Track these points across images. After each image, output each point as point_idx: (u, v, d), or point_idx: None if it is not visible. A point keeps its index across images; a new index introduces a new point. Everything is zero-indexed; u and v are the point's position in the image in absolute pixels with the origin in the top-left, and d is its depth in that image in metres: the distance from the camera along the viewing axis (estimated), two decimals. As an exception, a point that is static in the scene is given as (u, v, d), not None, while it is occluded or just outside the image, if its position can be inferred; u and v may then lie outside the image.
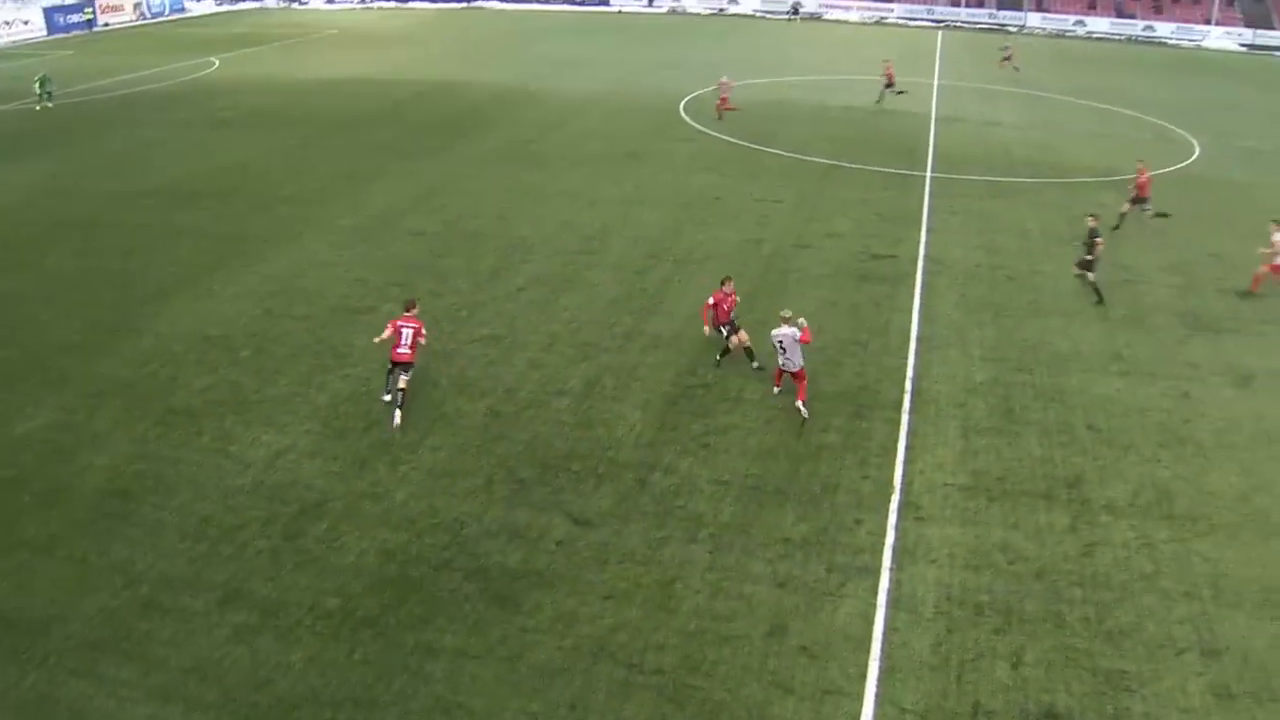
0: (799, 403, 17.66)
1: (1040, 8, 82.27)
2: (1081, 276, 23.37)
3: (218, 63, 57.33)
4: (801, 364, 17.61)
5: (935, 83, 51.70)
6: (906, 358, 19.90)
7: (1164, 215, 28.35)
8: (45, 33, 75.11)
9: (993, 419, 17.71)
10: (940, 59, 60.91)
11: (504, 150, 35.86)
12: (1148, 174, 28.02)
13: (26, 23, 75.54)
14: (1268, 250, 23.20)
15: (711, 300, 19.03)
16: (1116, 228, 27.27)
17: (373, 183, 31.55)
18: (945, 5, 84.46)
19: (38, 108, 43.56)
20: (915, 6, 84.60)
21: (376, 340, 17.88)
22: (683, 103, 44.29)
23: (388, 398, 17.64)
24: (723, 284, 19.23)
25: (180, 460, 16.22)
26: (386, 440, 16.73)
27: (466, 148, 36.24)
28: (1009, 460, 16.41)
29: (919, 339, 20.75)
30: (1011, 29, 78.86)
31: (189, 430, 17.12)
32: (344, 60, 57.86)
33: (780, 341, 17.56)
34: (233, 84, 49.87)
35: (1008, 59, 56.89)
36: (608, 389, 18.50)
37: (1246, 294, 23.49)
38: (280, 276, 23.90)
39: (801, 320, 17.65)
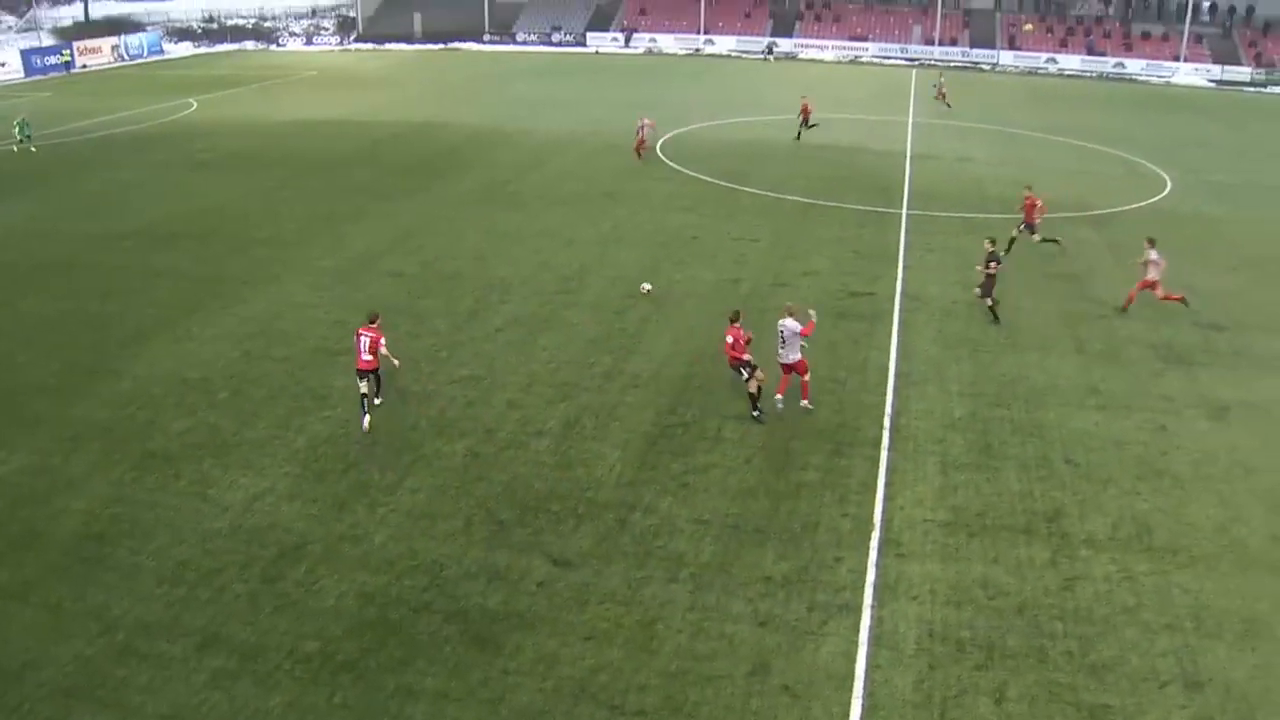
0: (803, 401, 18.68)
1: (1012, 45, 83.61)
2: (981, 300, 24.01)
3: (196, 104, 57.46)
4: (799, 357, 18.42)
5: (910, 120, 52.37)
6: (885, 394, 20.02)
7: (1054, 241, 29.02)
8: (23, 74, 75.12)
9: (971, 454, 17.80)
10: (914, 97, 61.68)
11: (482, 191, 36.02)
12: (1036, 201, 28.68)
13: (3, 64, 75.55)
14: (1141, 263, 24.36)
15: (730, 339, 18.63)
16: (1006, 252, 27.48)
17: (351, 224, 31.61)
18: (919, 44, 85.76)
19: (15, 149, 43.51)
20: (889, 45, 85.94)
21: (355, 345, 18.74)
22: (659, 143, 44.63)
23: (366, 420, 18.41)
24: (733, 321, 18.79)
25: (157, 504, 16.09)
26: (365, 482, 16.67)
27: (444, 189, 36.38)
28: (988, 495, 16.48)
29: (897, 375, 20.89)
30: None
31: (166, 473, 17.00)
32: (322, 102, 58.10)
33: (782, 332, 18.41)
34: (211, 126, 49.98)
35: (941, 95, 57.93)
36: (587, 429, 18.51)
37: (1122, 310, 24.60)
38: (258, 318, 23.85)
39: (811, 311, 18.71)
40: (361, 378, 18.48)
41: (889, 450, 17.85)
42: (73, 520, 15.69)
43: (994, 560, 14.79)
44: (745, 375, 18.78)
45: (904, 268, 27.70)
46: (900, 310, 24.55)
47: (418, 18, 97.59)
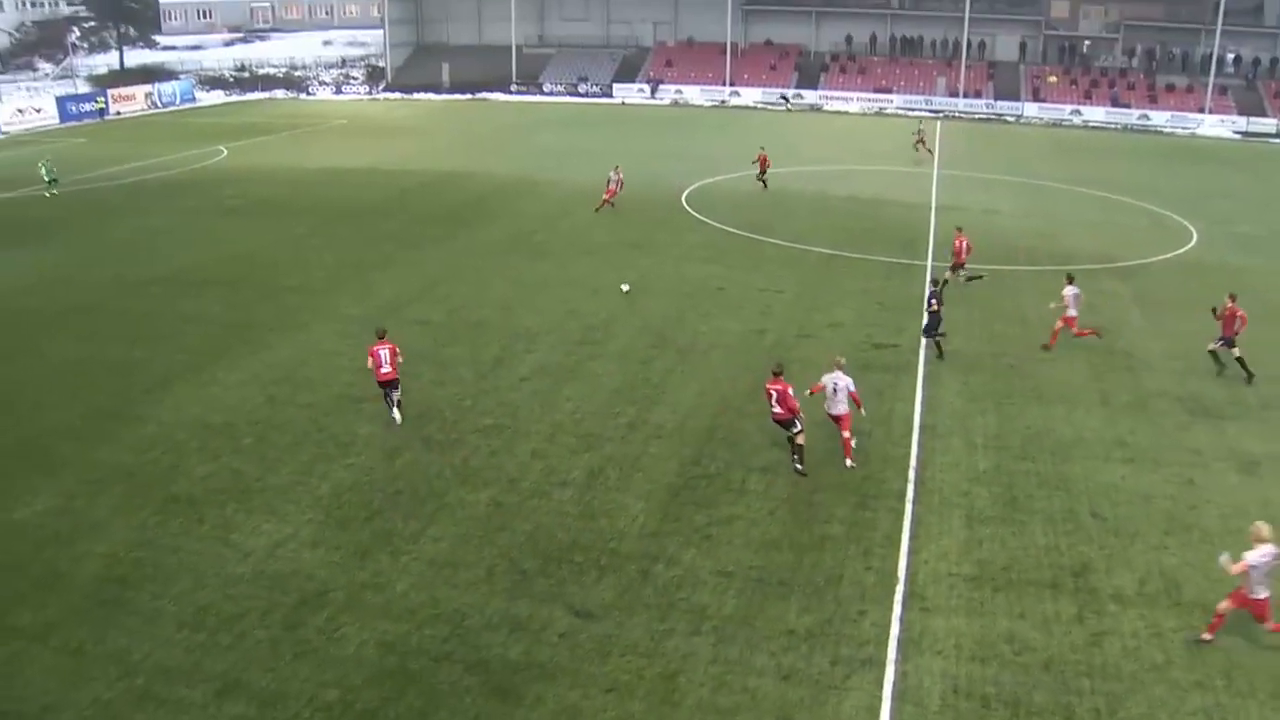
0: (847, 461, 18.88)
1: (1037, 97, 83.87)
2: (929, 338, 24.76)
3: (226, 152, 58.40)
4: (846, 410, 18.80)
5: (935, 172, 52.52)
6: (909, 447, 19.94)
7: (978, 278, 30.14)
8: (58, 120, 76.66)
9: (997, 508, 17.68)
10: (939, 148, 61.92)
11: (508, 240, 36.33)
12: (965, 241, 30.03)
13: (39, 110, 77.10)
14: (1059, 304, 25.20)
15: (775, 392, 18.32)
16: (941, 291, 27.89)
17: (378, 272, 31.93)
18: (944, 95, 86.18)
19: (46, 194, 44.33)
20: (914, 97, 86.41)
21: (369, 366, 20.42)
22: (685, 193, 44.97)
23: (396, 414, 20.56)
24: (776, 375, 18.55)
25: (180, 548, 16.19)
26: (388, 530, 16.71)
27: (471, 238, 36.73)
28: (1014, 549, 16.34)
29: (922, 428, 20.82)
30: (1007, 118, 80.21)
31: (189, 518, 17.11)
32: (351, 150, 58.92)
33: (835, 385, 18.73)
34: (241, 173, 50.75)
35: (920, 142, 58.38)
36: (611, 479, 18.51)
37: (1046, 347, 25.28)
38: (285, 364, 24.08)
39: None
40: (388, 388, 20.50)
41: (914, 503, 17.75)
42: (95, 563, 15.81)
43: (1020, 615, 14.64)
44: (798, 428, 18.60)
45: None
46: (925, 362, 24.51)
47: (446, 68, 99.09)
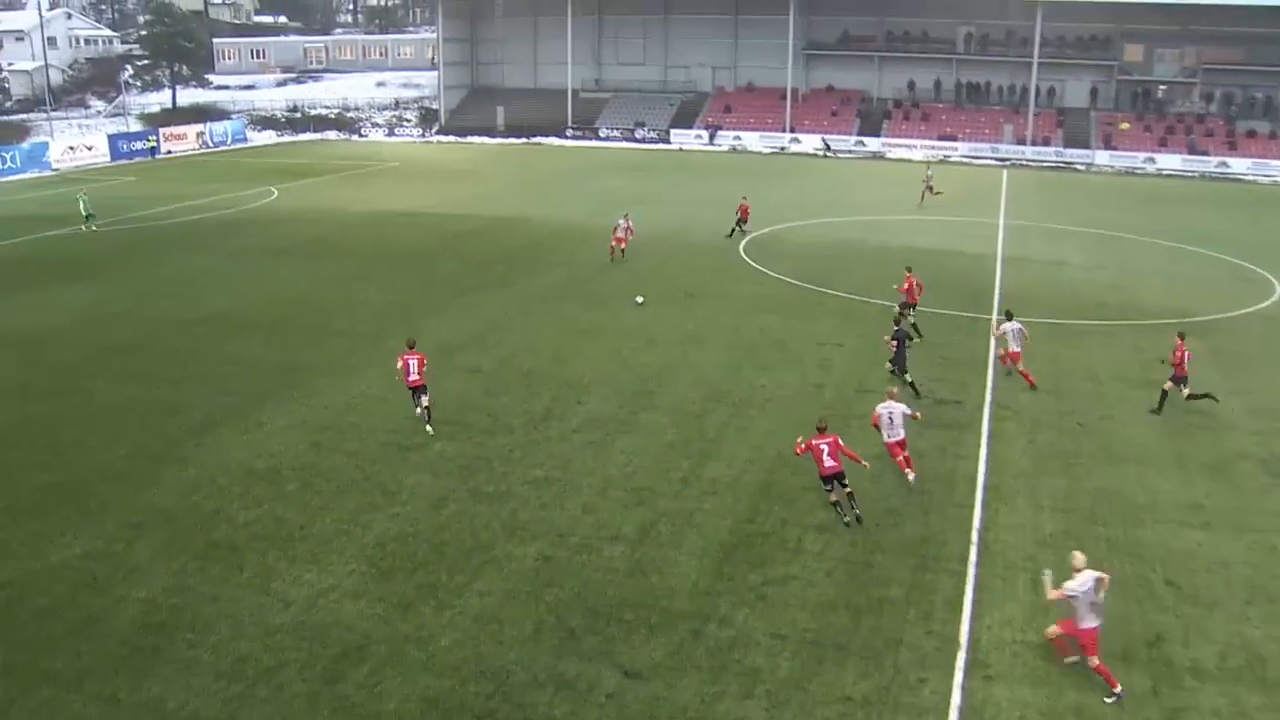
0: (908, 473, 20.15)
1: (1108, 145, 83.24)
2: (894, 374, 25.45)
3: (277, 192, 59.72)
4: (904, 434, 20.17)
5: (1001, 222, 52.26)
6: (973, 507, 19.70)
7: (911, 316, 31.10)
8: (109, 158, 78.91)
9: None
10: (1006, 198, 61.66)
11: (561, 287, 36.66)
12: (914, 280, 31.17)
13: (90, 148, 79.38)
14: (1001, 340, 26.64)
15: (825, 446, 18.53)
16: (893, 324, 29.26)
17: (429, 317, 32.34)
18: (1010, 143, 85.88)
19: (84, 229, 45.63)
20: (979, 144, 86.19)
21: (397, 377, 23.22)
22: (743, 243, 45.14)
23: (418, 411, 23.10)
24: (822, 431, 18.73)
25: (219, 596, 16.39)
26: (433, 583, 16.80)
27: (524, 284, 37.13)
28: (1084, 618, 16.01)
29: (986, 488, 20.56)
30: (1077, 166, 79.68)
31: (230, 565, 17.33)
32: (403, 193, 59.96)
33: (890, 415, 20.10)
34: (291, 214, 51.84)
35: (929, 187, 58.42)
36: (663, 535, 18.49)
37: (1031, 388, 26.21)
38: (331, 409, 24.42)
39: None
40: (417, 393, 23.04)
41: (977, 566, 17.52)
42: (132, 609, 16.04)
43: (1089, 687, 14.33)
44: (843, 485, 18.74)
45: (994, 374, 27.43)
46: (990, 420, 24.27)
47: (500, 111, 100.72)
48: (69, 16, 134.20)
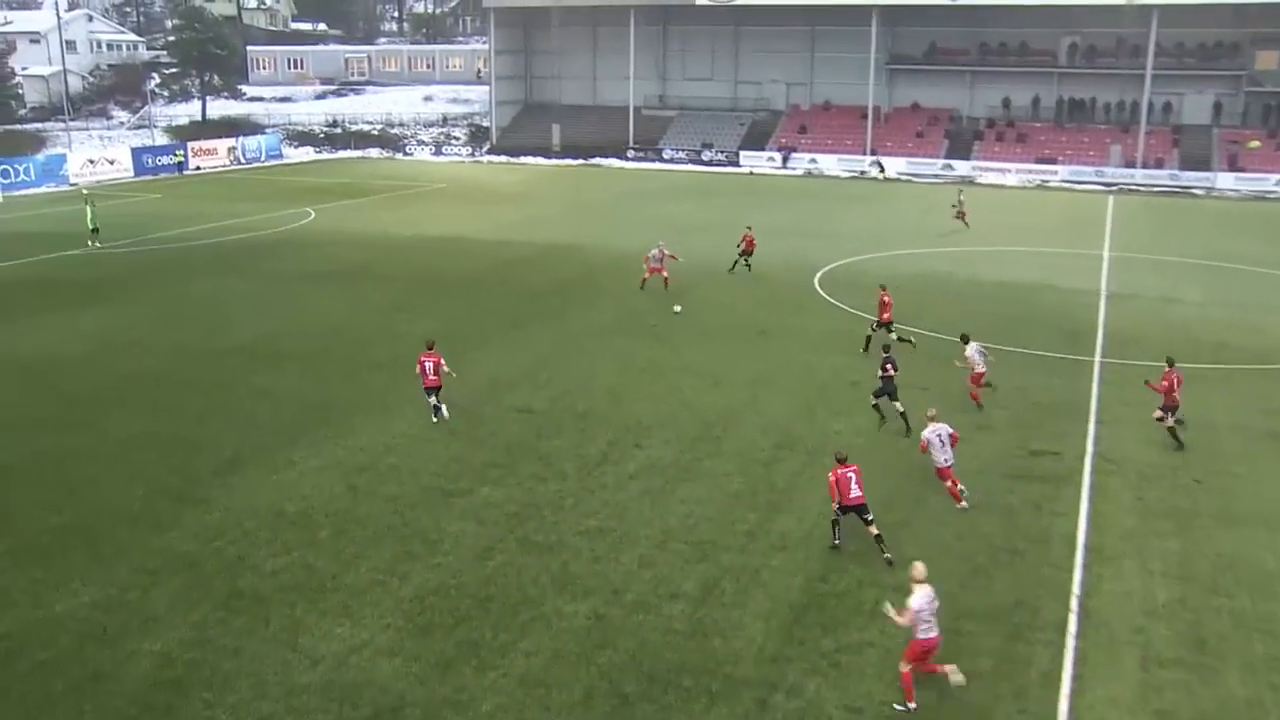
0: (962, 504, 21.51)
1: (1233, 166, 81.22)
2: (877, 407, 26.66)
3: (314, 214, 60.79)
4: (952, 459, 21.53)
5: (1105, 254, 51.68)
6: (1072, 571, 19.35)
7: (908, 341, 33.19)
8: (132, 173, 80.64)
9: (1180, 649, 17.00)
10: (1112, 227, 61.00)
11: (620, 321, 36.81)
12: (887, 297, 33.46)
13: (113, 162, 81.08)
14: (964, 364, 27.84)
15: (853, 476, 19.55)
16: (864, 350, 32.82)
17: (476, 351, 32.63)
18: (1118, 166, 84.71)
19: (89, 245, 46.81)
20: (1083, 168, 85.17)
21: (417, 373, 26.41)
22: (818, 275, 45.08)
23: (435, 418, 26.33)
24: (843, 462, 19.77)
25: (241, 650, 16.53)
26: (475, 641, 16.84)
27: (580, 317, 37.38)
28: (1204, 700, 15.63)
29: (1087, 549, 20.21)
30: (1195, 190, 78.56)
31: (255, 617, 17.49)
32: (450, 216, 60.74)
33: (939, 436, 21.42)
34: (329, 237, 52.72)
35: (960, 215, 58.13)
36: (727, 594, 18.40)
37: (980, 409, 27.56)
38: (369, 450, 24.67)
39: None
40: (430, 393, 26.38)
41: (1077, 638, 17.20)
42: (145, 663, 16.16)
43: (1205, 779, 13.99)
44: (867, 520, 19.58)
45: (1096, 424, 27.05)
46: (1091, 472, 23.90)
47: (556, 130, 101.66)
48: (90, 19, 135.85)
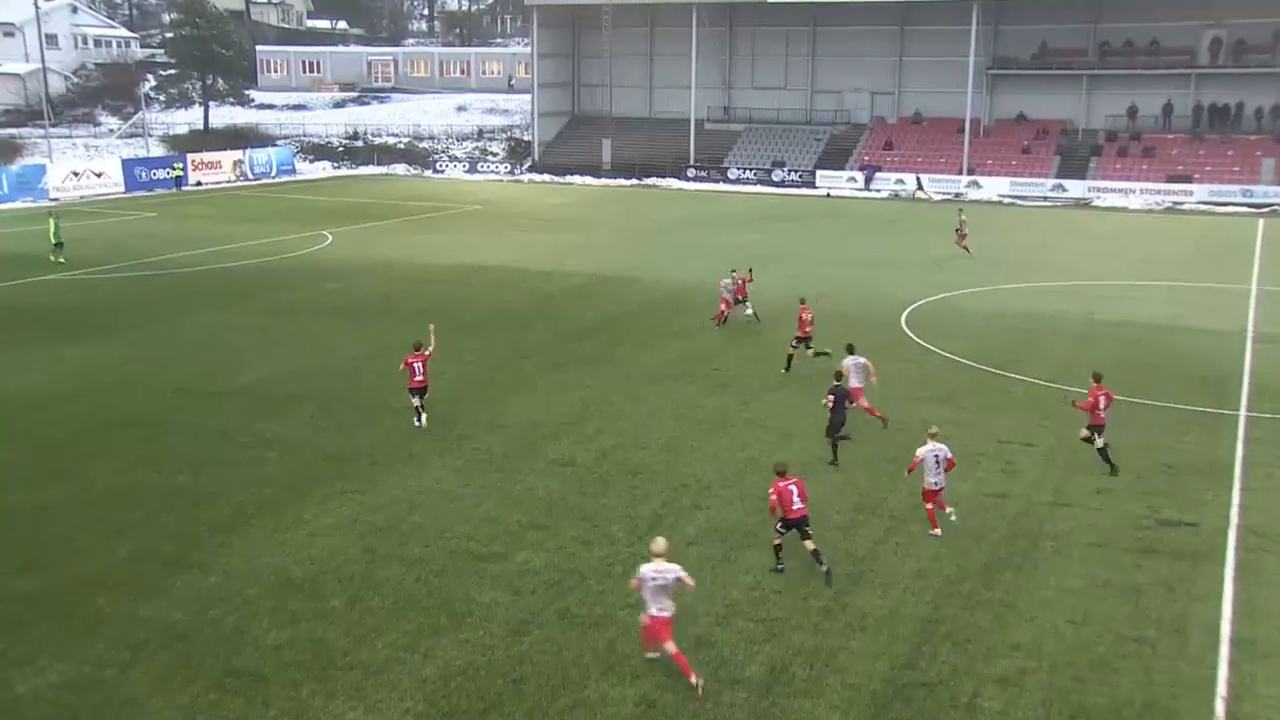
0: (947, 510, 23.60)
1: None
2: (835, 445, 28.09)
3: (331, 238, 61.54)
4: (944, 483, 23.62)
5: (1253, 289, 51.09)
6: (1216, 668, 18.91)
7: (824, 354, 35.24)
8: (123, 188, 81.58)
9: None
10: (1261, 257, 60.32)
11: (678, 364, 36.84)
12: (809, 313, 36.22)
13: (100, 175, 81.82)
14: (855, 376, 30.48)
15: (793, 488, 21.57)
16: (785, 370, 35.73)
17: (513, 396, 32.83)
18: (1271, 183, 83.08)
19: (52, 259, 47.60)
20: (1226, 187, 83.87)
21: (401, 369, 29.53)
22: (905, 313, 44.95)
23: (417, 422, 29.69)
24: (782, 474, 21.77)
25: (239, 739, 16.55)
26: (508, 730, 16.82)
27: (633, 359, 37.53)
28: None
29: (1234, 642, 19.76)
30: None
31: (253, 700, 17.47)
32: (486, 242, 61.28)
33: (936, 456, 23.26)
34: (348, 264, 53.35)
35: (961, 237, 58.47)
36: (797, 680, 18.26)
37: (885, 421, 30.44)
38: (390, 508, 24.80)
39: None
40: (415, 394, 29.51)
41: (1221, 749, 16.87)
42: (121, 757, 16.12)
43: None
44: (807, 535, 21.61)
45: (1242, 490, 26.60)
46: (1236, 549, 23.48)
47: (607, 145, 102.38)
48: (74, 10, 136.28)
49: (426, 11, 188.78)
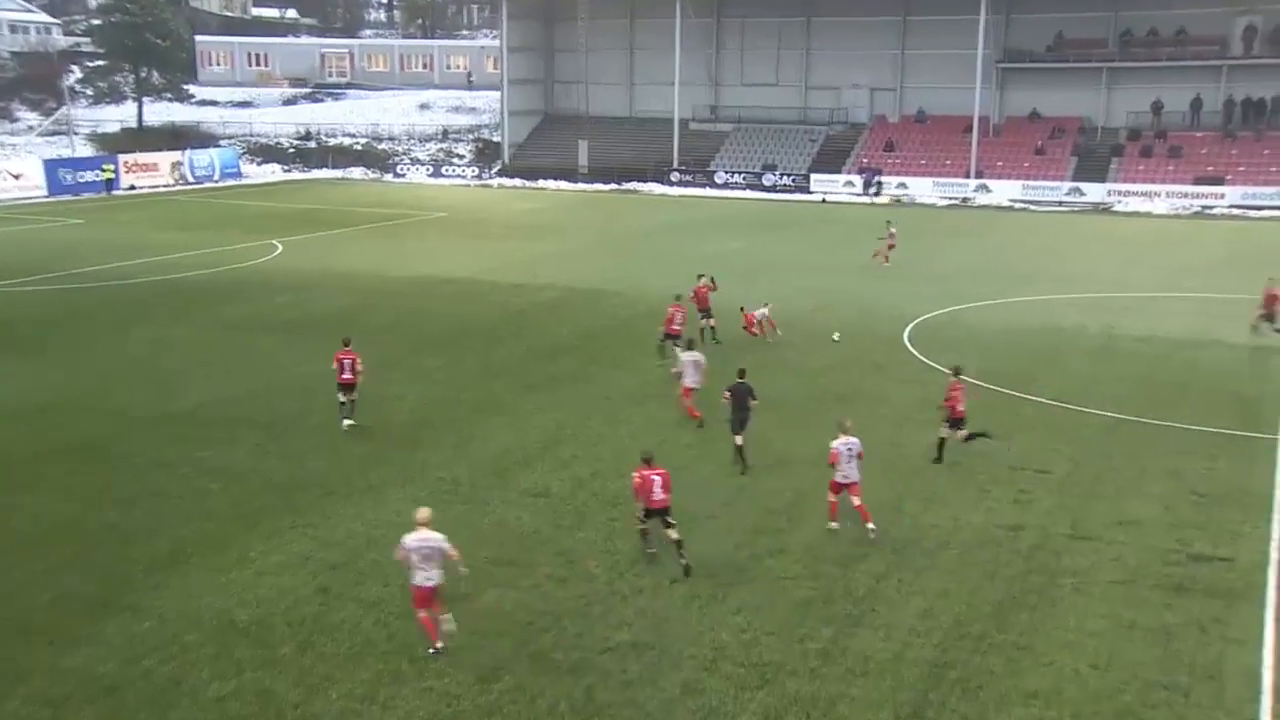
0: (868, 525, 24.78)
1: None
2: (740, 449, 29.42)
3: (281, 247, 61.46)
4: (860, 476, 25.07)
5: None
6: (1257, 717, 18.98)
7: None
8: (46, 192, 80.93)
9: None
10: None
11: (660, 384, 36.81)
12: (680, 311, 38.94)
13: (18, 176, 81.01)
14: (677, 370, 33.08)
15: (657, 478, 23.09)
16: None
17: (481, 420, 32.78)
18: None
19: None
20: (1261, 189, 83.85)
21: (334, 367, 31.47)
22: (908, 328, 45.05)
23: (343, 421, 31.80)
24: (648, 462, 23.33)
25: (175, 806, 16.45)
26: (476, 787, 16.72)
27: (610, 378, 37.55)
28: None
29: (1276, 690, 19.78)
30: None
31: (194, 759, 17.41)
32: (451, 252, 61.34)
33: (850, 449, 24.93)
34: (300, 276, 53.31)
35: (889, 248, 59.24)
36: (795, 731, 18.23)
37: (699, 426, 32.17)
38: (346, 543, 24.67)
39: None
40: (343, 390, 31.70)
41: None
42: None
43: None
44: (668, 524, 23.15)
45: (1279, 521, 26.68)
46: (1277, 586, 23.50)
47: (583, 147, 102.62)
48: None
49: (385, 0, 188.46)
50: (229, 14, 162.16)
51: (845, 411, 33.46)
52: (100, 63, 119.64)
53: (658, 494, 23.03)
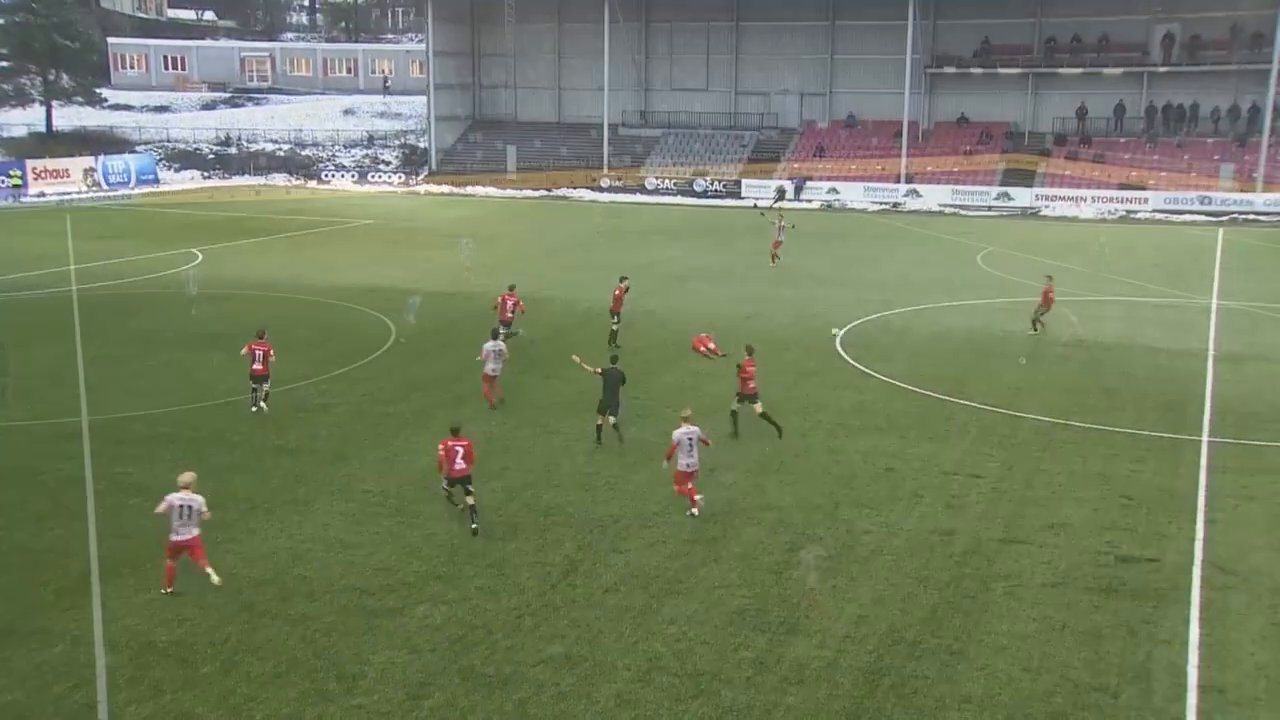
0: (697, 500, 26.44)
1: None
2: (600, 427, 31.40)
3: (201, 256, 60.75)
4: (698, 464, 26.58)
5: (1213, 303, 52.10)
6: (1184, 717, 19.21)
7: (515, 334, 41.01)
8: None
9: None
10: (1221, 269, 61.51)
11: (594, 393, 36.72)
12: (513, 299, 42.49)
13: None
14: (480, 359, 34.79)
15: (460, 449, 25.45)
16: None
17: (410, 433, 32.64)
18: (1230, 190, 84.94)
19: None
20: (1182, 194, 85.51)
21: (243, 354, 33.73)
22: (840, 334, 45.33)
23: (254, 407, 33.71)
24: (455, 433, 25.59)
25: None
26: (407, 805, 16.66)
27: (542, 390, 37.57)
28: None
29: (1202, 689, 20.04)
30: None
31: (104, 795, 17.20)
32: (379, 261, 61.05)
33: (691, 438, 26.13)
34: (221, 286, 52.69)
35: (777, 243, 61.46)
36: (730, 741, 18.30)
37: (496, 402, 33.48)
38: (271, 559, 24.49)
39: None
40: (259, 381, 33.54)
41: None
42: None
43: None
44: (468, 491, 25.62)
45: (1207, 522, 27.04)
46: (1202, 587, 23.83)
47: (512, 152, 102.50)
48: None
49: (307, 3, 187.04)
50: (143, 15, 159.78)
51: (775, 416, 33.96)
52: (3, 64, 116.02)
53: (459, 464, 25.15)
